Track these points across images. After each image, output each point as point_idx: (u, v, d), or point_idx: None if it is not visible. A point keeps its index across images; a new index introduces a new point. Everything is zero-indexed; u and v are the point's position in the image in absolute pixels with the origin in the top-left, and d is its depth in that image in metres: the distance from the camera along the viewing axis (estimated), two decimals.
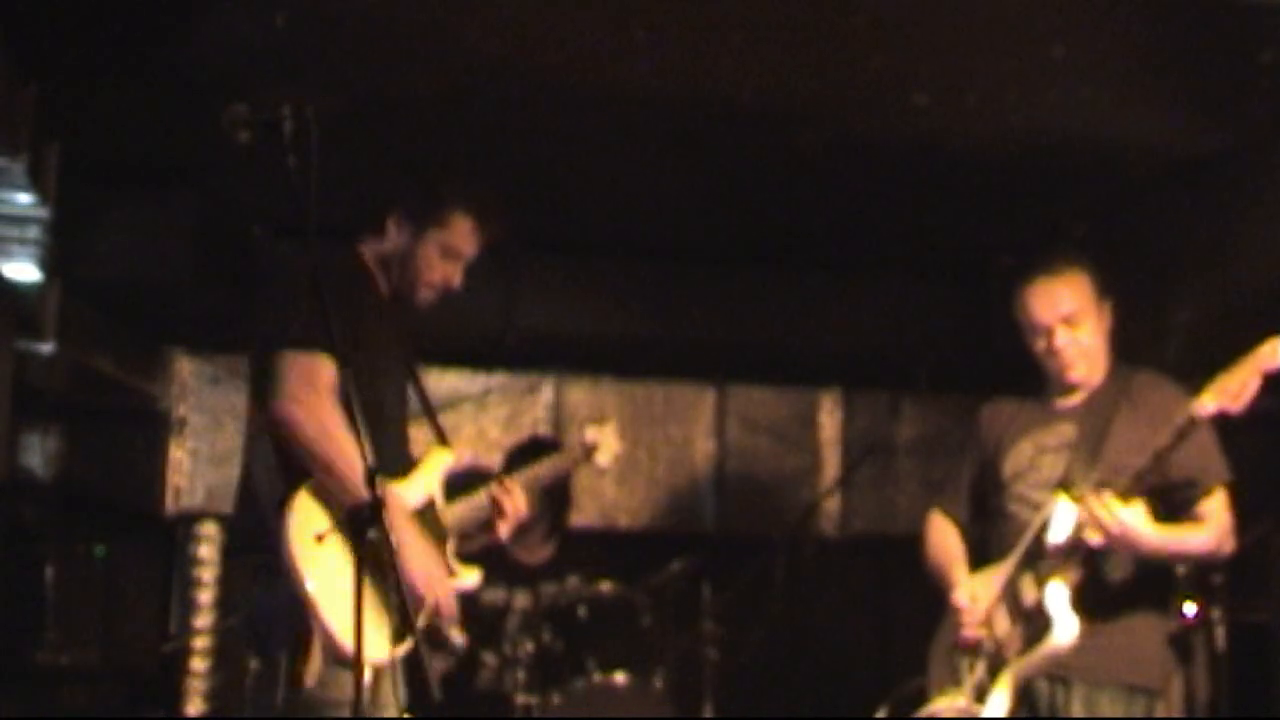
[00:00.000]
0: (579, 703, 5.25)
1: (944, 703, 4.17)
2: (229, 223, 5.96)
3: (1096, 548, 3.92)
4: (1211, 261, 5.54)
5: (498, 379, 6.97)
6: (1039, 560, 4.03)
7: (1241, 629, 5.47)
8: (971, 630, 4.12)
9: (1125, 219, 6.04)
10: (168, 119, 5.12)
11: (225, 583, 6.29)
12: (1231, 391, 3.78)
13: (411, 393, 4.00)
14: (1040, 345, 4.21)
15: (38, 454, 6.24)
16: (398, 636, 3.52)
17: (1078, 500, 3.97)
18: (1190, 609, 5.51)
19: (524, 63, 4.70)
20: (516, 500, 3.95)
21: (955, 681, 4.17)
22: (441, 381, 6.83)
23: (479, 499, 3.94)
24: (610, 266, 6.65)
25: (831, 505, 7.05)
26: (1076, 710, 4.00)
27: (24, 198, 4.85)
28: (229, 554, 5.56)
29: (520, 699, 5.26)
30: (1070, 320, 4.17)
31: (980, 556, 4.32)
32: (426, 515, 3.80)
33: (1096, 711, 3.99)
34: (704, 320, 6.74)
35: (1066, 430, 4.19)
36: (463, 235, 3.84)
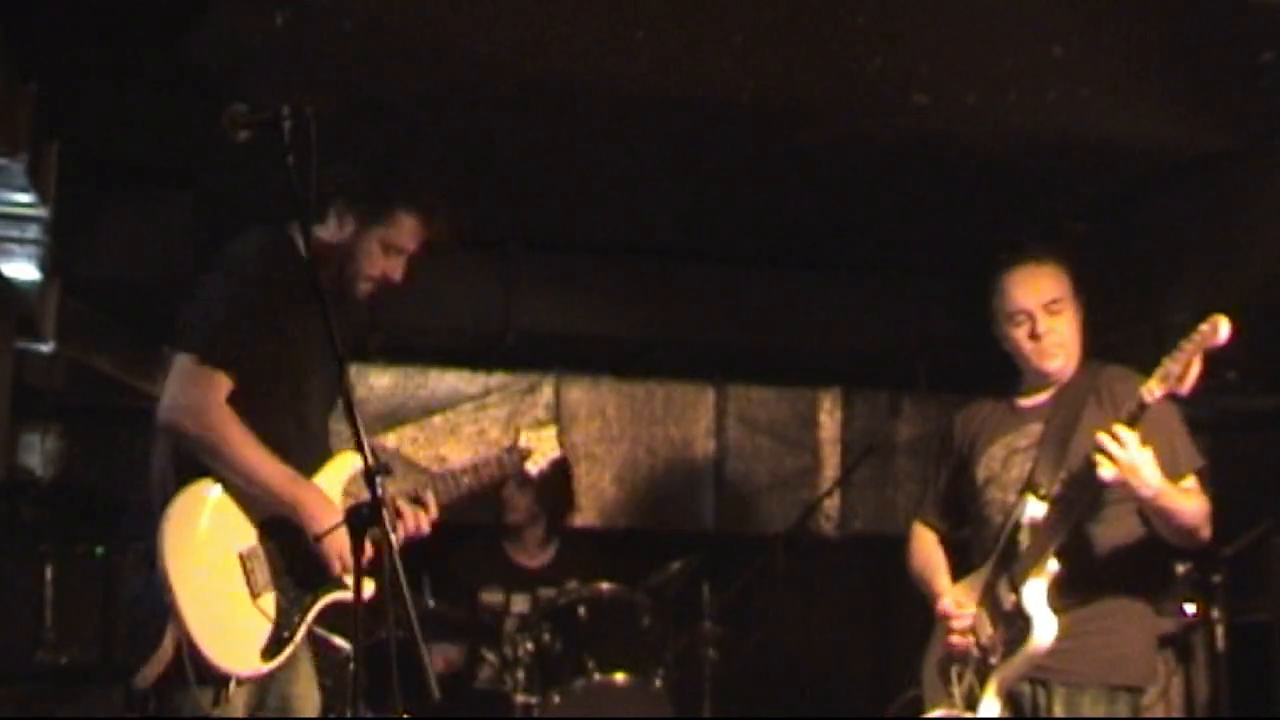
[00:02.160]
0: (579, 703, 5.24)
1: (937, 713, 4.15)
2: (229, 223, 5.95)
3: (1104, 485, 3.81)
4: (1211, 261, 5.54)
5: (498, 379, 6.96)
6: (1014, 563, 4.00)
7: (1241, 629, 5.47)
8: (958, 637, 4.10)
9: (1125, 219, 6.04)
10: (167, 119, 5.12)
11: None
12: (1176, 374, 3.72)
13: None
14: (1020, 333, 4.14)
15: (38, 454, 6.24)
16: (275, 648, 3.50)
17: (1045, 500, 3.96)
18: (1190, 608, 5.51)
19: (524, 63, 4.70)
20: (418, 520, 3.76)
21: (948, 692, 4.15)
22: (441, 381, 6.84)
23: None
24: (610, 266, 6.65)
25: (831, 505, 7.05)
26: (1059, 712, 3.97)
27: (24, 197, 4.85)
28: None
29: (520, 699, 5.25)
30: (1052, 308, 4.12)
31: (964, 563, 4.30)
32: None
33: (1078, 713, 3.96)
34: (704, 320, 6.74)
35: (1036, 430, 4.15)
36: (407, 233, 3.76)
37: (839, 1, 4.37)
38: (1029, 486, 4.04)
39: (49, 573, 5.57)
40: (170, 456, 3.55)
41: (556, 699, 5.23)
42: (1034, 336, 4.13)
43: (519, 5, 4.38)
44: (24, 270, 5.17)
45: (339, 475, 3.72)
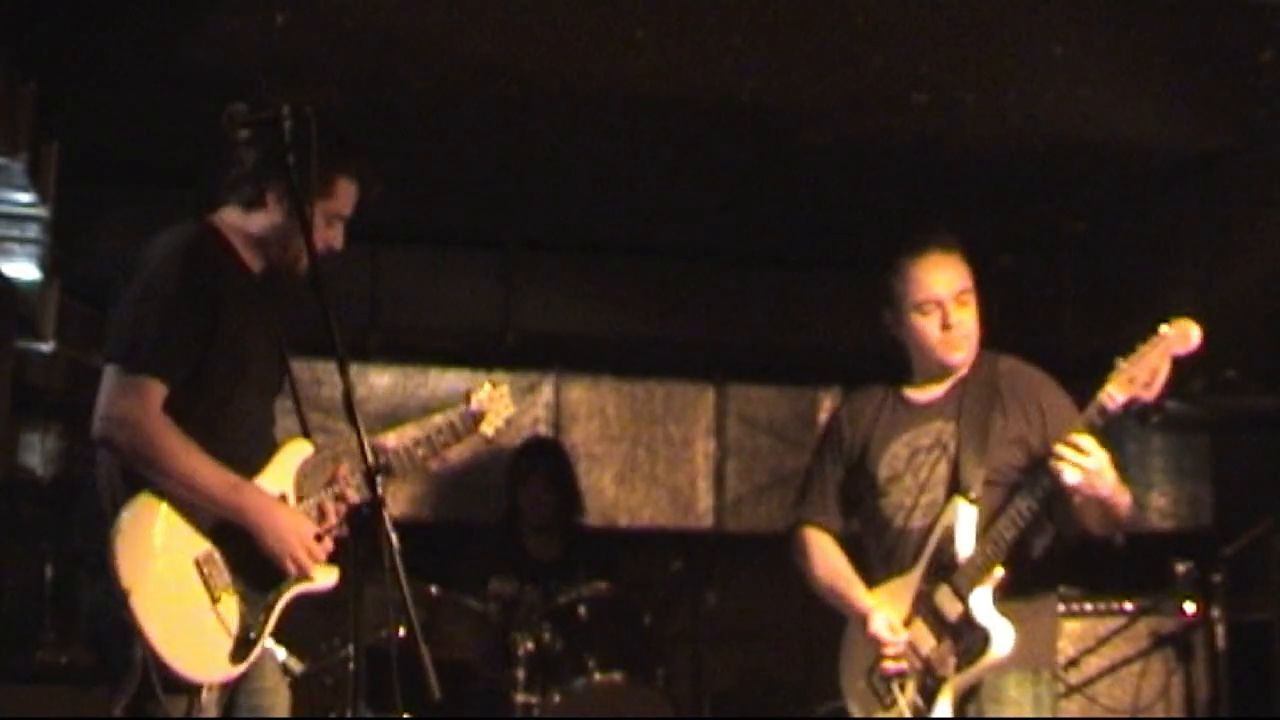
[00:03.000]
0: (579, 702, 5.24)
1: None
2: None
3: (1065, 488, 3.71)
4: (1211, 261, 5.54)
5: (498, 379, 6.94)
6: (951, 571, 3.86)
7: (1241, 629, 5.46)
8: (897, 663, 3.91)
9: (1125, 219, 6.04)
10: (168, 119, 5.12)
11: None
12: (1141, 380, 3.63)
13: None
14: (928, 322, 3.96)
15: (37, 453, 6.23)
16: (242, 651, 3.46)
17: (975, 503, 3.85)
18: (1190, 608, 5.51)
19: (524, 63, 4.70)
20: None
21: (884, 705, 3.95)
22: (441, 381, 6.83)
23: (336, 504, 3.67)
24: (610, 266, 6.65)
25: None
26: (986, 703, 3.87)
27: (24, 197, 4.85)
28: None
29: (520, 699, 5.25)
30: (962, 298, 3.96)
31: (855, 560, 4.13)
32: None
33: (1004, 698, 3.87)
34: (704, 320, 6.75)
35: (939, 428, 4.00)
36: (347, 199, 3.67)
37: (839, 1, 4.36)
38: (957, 490, 3.89)
39: (49, 573, 5.57)
40: (119, 465, 3.48)
41: (556, 698, 5.24)
42: (945, 327, 3.95)
43: (519, 5, 4.38)
44: (24, 270, 5.17)
45: (288, 464, 3.65)
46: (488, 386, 4.08)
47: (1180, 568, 5.52)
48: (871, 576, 4.07)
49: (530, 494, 6.08)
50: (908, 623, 3.92)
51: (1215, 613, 5.35)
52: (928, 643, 3.89)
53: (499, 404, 4.10)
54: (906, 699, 3.91)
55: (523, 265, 6.51)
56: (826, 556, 4.15)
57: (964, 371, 4.03)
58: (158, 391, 3.41)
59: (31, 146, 4.66)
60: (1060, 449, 3.69)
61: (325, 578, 3.63)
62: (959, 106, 4.97)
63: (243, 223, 3.65)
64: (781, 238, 6.52)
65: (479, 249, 6.51)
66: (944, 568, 3.88)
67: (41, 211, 4.96)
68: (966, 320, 3.98)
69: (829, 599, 4.13)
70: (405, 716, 3.22)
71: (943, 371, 4.04)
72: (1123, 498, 3.82)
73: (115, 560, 3.33)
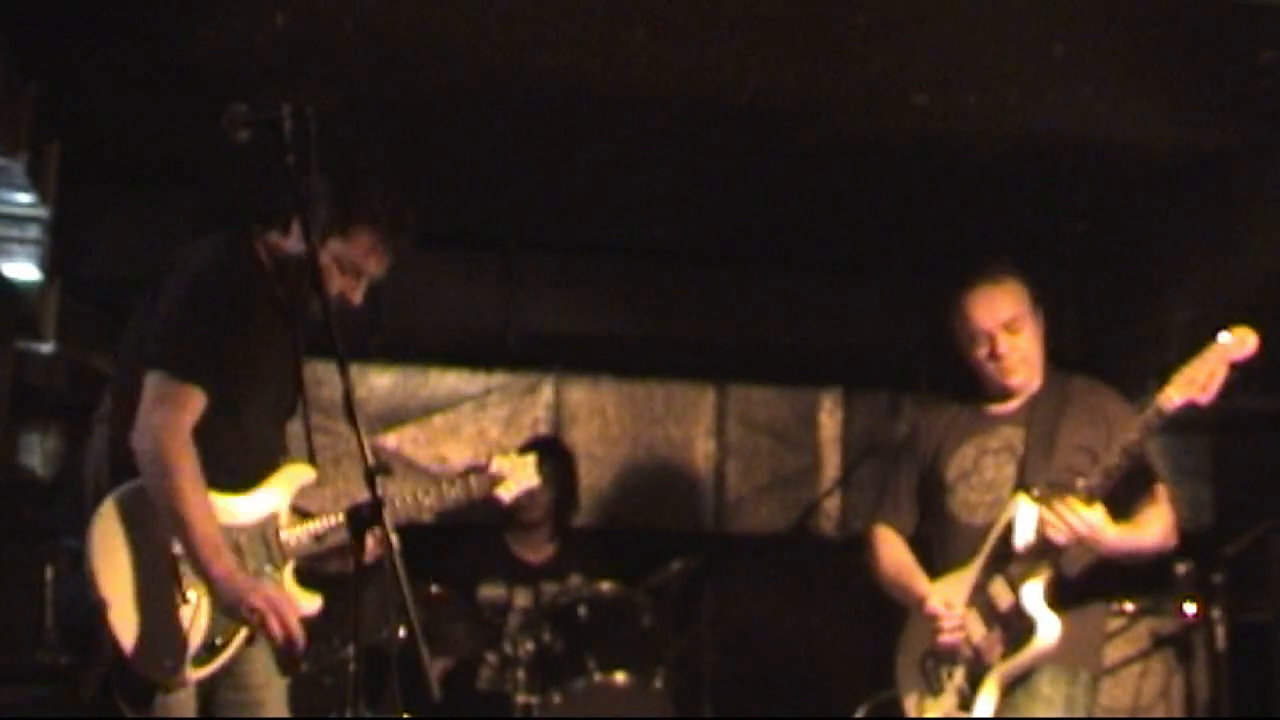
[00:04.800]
0: (579, 703, 5.24)
1: (930, 712, 4.15)
2: (228, 222, 5.95)
3: (1060, 546, 3.93)
4: (1211, 261, 5.54)
5: (498, 379, 6.96)
6: (1007, 563, 4.02)
7: (1241, 629, 5.46)
8: (949, 636, 4.09)
9: (1125, 219, 6.04)
10: (167, 119, 5.12)
11: None
12: (1199, 383, 3.77)
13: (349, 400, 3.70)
14: (981, 352, 4.21)
15: (38, 454, 6.23)
16: (205, 657, 3.42)
17: (1038, 501, 3.99)
18: (1190, 608, 5.51)
19: (524, 63, 4.70)
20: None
21: (933, 691, 4.15)
22: (442, 381, 6.83)
23: (336, 525, 3.63)
24: (610, 266, 6.65)
25: (831, 505, 7.05)
26: (1019, 696, 4.02)
27: (24, 197, 4.85)
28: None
29: (520, 699, 5.25)
30: (1011, 326, 4.19)
31: (923, 559, 4.33)
32: (265, 531, 3.58)
33: (1037, 693, 4.02)
34: (704, 320, 6.74)
35: (1008, 434, 4.21)
36: (363, 250, 3.56)
37: (839, 1, 4.36)
38: (1022, 488, 4.06)
39: (49, 573, 5.57)
40: (107, 455, 3.47)
41: (556, 699, 5.24)
42: (994, 357, 4.19)
43: (519, 5, 4.38)
44: (24, 270, 5.17)
45: (287, 487, 3.64)
46: (514, 455, 4.12)
47: (1180, 568, 5.52)
48: (935, 572, 4.26)
49: (542, 495, 5.99)
50: (964, 612, 4.10)
51: (1215, 613, 5.35)
52: (978, 631, 4.06)
53: (522, 472, 4.12)
54: (954, 686, 4.08)
55: (523, 265, 6.51)
56: (893, 550, 4.39)
57: (1035, 388, 4.25)
58: (198, 401, 3.39)
59: (31, 146, 4.66)
60: (1046, 514, 3.88)
61: (307, 603, 3.59)
62: (959, 106, 4.97)
63: (275, 243, 3.63)
64: (781, 238, 6.52)
65: (479, 249, 6.51)
66: (1001, 561, 4.05)
67: (41, 211, 4.96)
68: (1020, 345, 4.20)
69: (893, 590, 4.35)
70: (405, 716, 3.22)
71: (1006, 392, 4.26)
72: (1140, 538, 4.02)
73: (90, 549, 3.32)
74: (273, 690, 3.67)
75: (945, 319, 4.30)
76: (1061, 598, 4.01)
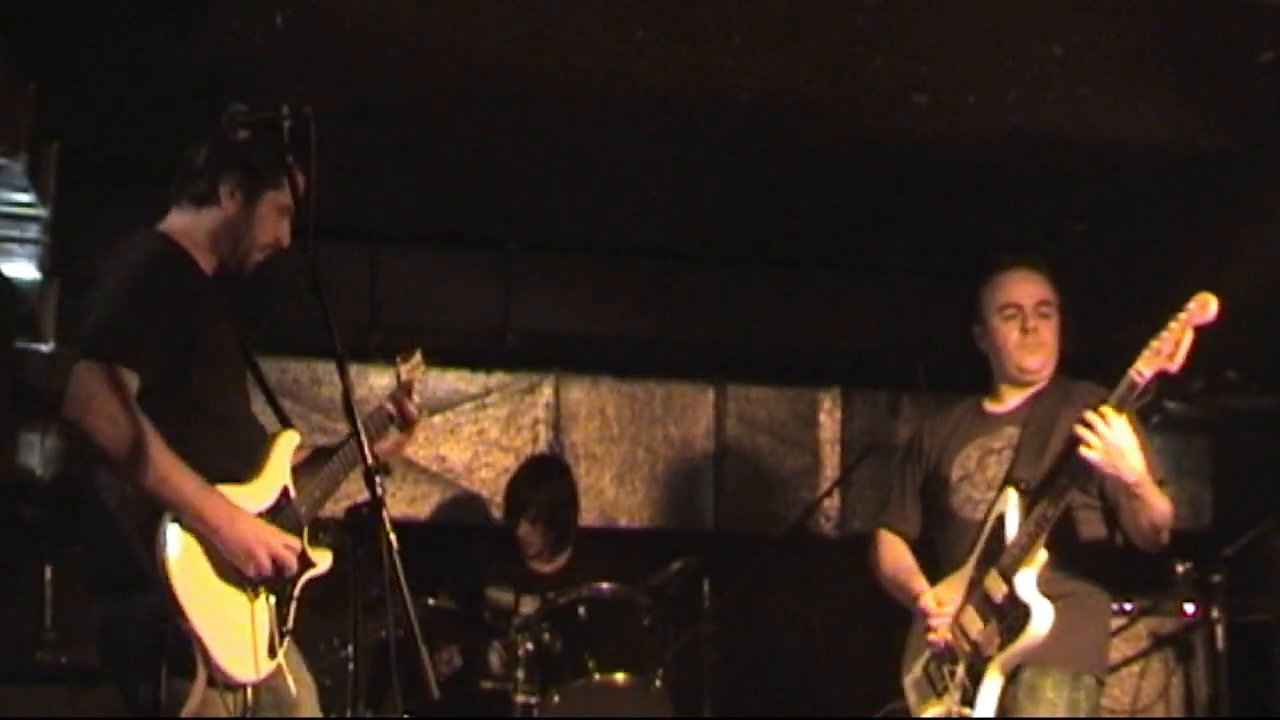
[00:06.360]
0: (579, 703, 5.24)
1: (932, 712, 4.16)
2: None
3: (1090, 469, 3.89)
4: (1211, 261, 5.54)
5: (498, 379, 6.96)
6: (999, 556, 4.04)
7: (1241, 629, 5.47)
8: (941, 633, 4.12)
9: (1125, 219, 6.04)
10: (168, 119, 5.11)
11: None
12: (1166, 352, 3.78)
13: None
14: (1009, 326, 4.25)
15: (37, 454, 6.23)
16: (275, 646, 3.46)
17: (1026, 494, 4.02)
18: (1190, 608, 5.52)
19: (524, 63, 4.70)
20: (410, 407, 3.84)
21: (937, 692, 4.16)
22: (441, 381, 6.83)
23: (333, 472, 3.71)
24: (610, 266, 6.65)
25: (831, 505, 7.04)
26: (1023, 699, 4.03)
27: (24, 197, 4.85)
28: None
29: (520, 699, 5.25)
30: (1042, 309, 4.27)
31: (929, 559, 4.36)
32: (282, 509, 3.60)
33: (1040, 696, 4.02)
34: (704, 320, 6.74)
35: (1011, 433, 4.24)
36: (294, 190, 3.54)
37: (839, 1, 4.37)
38: (1010, 481, 4.10)
39: (49, 573, 5.58)
40: (131, 484, 3.40)
41: (556, 699, 5.23)
42: (1024, 331, 4.24)
43: (519, 5, 4.38)
44: (24, 270, 5.17)
45: (285, 459, 3.65)
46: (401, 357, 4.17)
47: (1180, 568, 5.53)
48: (940, 572, 4.28)
49: (525, 528, 5.95)
50: (960, 610, 4.11)
51: (1215, 613, 5.36)
52: (976, 626, 4.07)
53: (411, 364, 4.19)
54: (955, 683, 4.09)
55: (523, 265, 6.51)
56: (894, 552, 4.43)
57: (1041, 386, 4.28)
58: (130, 381, 3.35)
59: (31, 146, 4.66)
60: (1087, 415, 3.85)
61: (321, 561, 3.65)
62: (959, 106, 4.97)
63: (193, 223, 3.66)
64: (781, 238, 6.52)
65: (479, 249, 6.51)
66: (994, 554, 4.07)
67: (41, 211, 4.96)
68: (1045, 330, 4.27)
69: (893, 591, 4.40)
70: (405, 716, 3.22)
71: (1020, 377, 4.29)
72: (1155, 495, 3.98)
73: (171, 583, 3.29)
74: (306, 682, 3.68)
75: (975, 300, 4.35)
76: (1058, 588, 4.01)
